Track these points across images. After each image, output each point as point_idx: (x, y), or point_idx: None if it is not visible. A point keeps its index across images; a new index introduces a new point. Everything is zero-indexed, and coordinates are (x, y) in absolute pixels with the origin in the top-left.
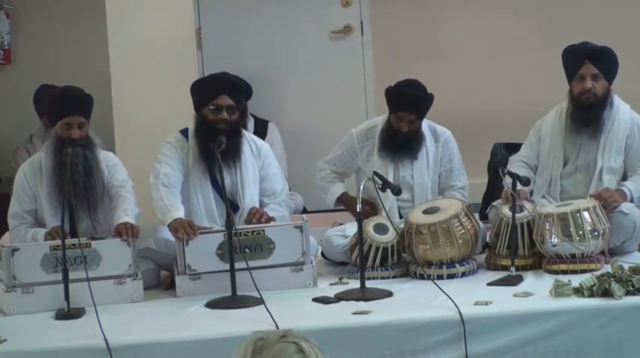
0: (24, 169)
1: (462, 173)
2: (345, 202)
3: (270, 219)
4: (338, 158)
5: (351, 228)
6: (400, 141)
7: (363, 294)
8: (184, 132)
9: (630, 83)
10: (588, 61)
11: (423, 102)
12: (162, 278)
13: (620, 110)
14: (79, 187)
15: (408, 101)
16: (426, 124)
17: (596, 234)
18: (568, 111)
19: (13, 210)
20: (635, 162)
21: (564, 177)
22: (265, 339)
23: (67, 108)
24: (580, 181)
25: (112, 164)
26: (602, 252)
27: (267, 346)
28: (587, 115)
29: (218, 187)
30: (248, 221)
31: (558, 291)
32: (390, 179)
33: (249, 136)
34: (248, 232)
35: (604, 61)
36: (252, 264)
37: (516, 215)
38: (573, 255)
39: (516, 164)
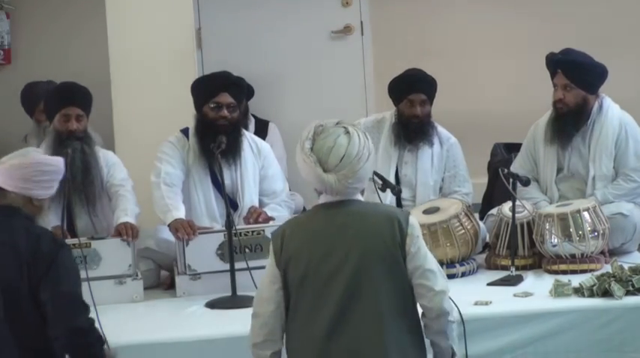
0: None
1: (466, 180)
2: None
3: (268, 219)
4: None
5: None
6: (415, 128)
7: None
8: (185, 131)
9: (630, 84)
10: (560, 71)
11: (429, 81)
12: (162, 278)
13: (609, 115)
14: (77, 183)
15: (416, 80)
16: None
17: (596, 234)
18: (550, 117)
19: None
20: (620, 166)
21: (560, 182)
22: (324, 125)
23: (65, 100)
24: (576, 186)
25: (111, 163)
26: (602, 252)
27: (324, 129)
28: (559, 124)
29: (218, 186)
30: (246, 220)
31: (558, 291)
32: (392, 176)
33: (249, 136)
34: (248, 232)
35: (576, 71)
36: (252, 264)
37: (516, 215)
38: (573, 255)
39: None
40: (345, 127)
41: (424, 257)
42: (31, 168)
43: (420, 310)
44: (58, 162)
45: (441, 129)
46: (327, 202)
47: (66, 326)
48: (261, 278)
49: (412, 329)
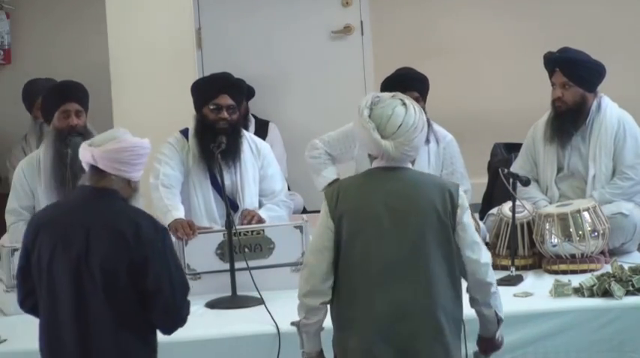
0: (22, 166)
1: (464, 177)
2: None
3: (262, 221)
4: (335, 140)
5: None
6: None
7: None
8: (184, 132)
9: (630, 84)
10: (558, 70)
11: (420, 80)
12: None
13: (608, 113)
14: (78, 179)
15: (408, 79)
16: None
17: (596, 234)
18: (549, 116)
19: (10, 206)
20: (618, 164)
21: (560, 182)
22: (380, 96)
23: (63, 96)
24: (576, 186)
25: None
26: (602, 252)
27: (381, 100)
28: (558, 123)
29: (218, 187)
30: (240, 223)
31: (558, 291)
32: None
33: (249, 136)
34: (248, 232)
35: (575, 69)
36: (252, 264)
37: (516, 215)
38: (573, 255)
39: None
40: (401, 99)
41: (471, 228)
42: (131, 152)
43: (464, 284)
44: (148, 144)
45: (437, 127)
46: (381, 166)
47: (176, 317)
48: (314, 231)
49: (455, 296)
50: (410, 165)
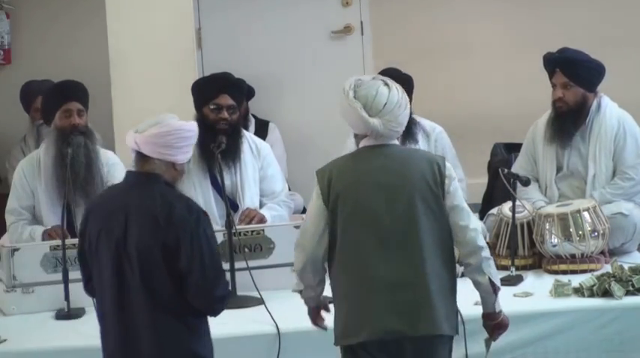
0: (22, 165)
1: (456, 166)
2: None
3: (262, 220)
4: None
5: None
6: None
7: None
8: None
9: (630, 83)
10: (559, 70)
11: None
12: None
13: (608, 113)
14: (79, 178)
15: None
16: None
17: (596, 234)
18: (549, 116)
19: (10, 205)
20: (619, 164)
21: (560, 181)
22: (362, 79)
23: (64, 96)
24: (575, 185)
25: (111, 163)
26: (602, 252)
27: (363, 83)
28: (559, 124)
29: (218, 187)
30: (240, 223)
31: (558, 291)
32: None
33: (249, 136)
34: (248, 232)
35: (575, 69)
36: (252, 263)
37: (516, 215)
38: (573, 255)
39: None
40: (382, 80)
41: (460, 196)
42: (173, 135)
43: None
44: (194, 126)
45: (424, 121)
46: (369, 145)
47: (209, 297)
48: (307, 214)
49: (447, 265)
50: (397, 141)
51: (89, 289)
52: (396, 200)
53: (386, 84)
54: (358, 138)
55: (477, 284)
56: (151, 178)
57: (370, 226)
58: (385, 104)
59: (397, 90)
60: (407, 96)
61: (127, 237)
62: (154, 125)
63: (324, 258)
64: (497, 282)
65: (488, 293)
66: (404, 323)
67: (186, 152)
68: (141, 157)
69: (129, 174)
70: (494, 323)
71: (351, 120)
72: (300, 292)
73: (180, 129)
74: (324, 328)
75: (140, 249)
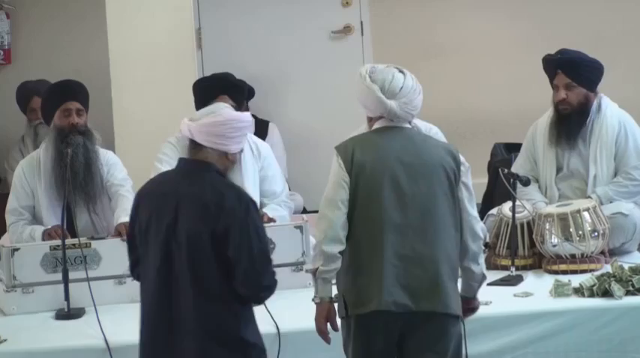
0: (22, 165)
1: None
2: None
3: (270, 220)
4: None
5: None
6: None
7: None
8: None
9: (630, 84)
10: (561, 71)
11: None
12: None
13: (608, 114)
14: (79, 178)
15: None
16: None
17: (596, 234)
18: (551, 119)
19: (10, 205)
20: (621, 164)
21: (560, 182)
22: (376, 66)
23: (64, 95)
24: (576, 186)
25: (111, 163)
26: (602, 252)
27: (377, 70)
28: (563, 126)
29: None
30: None
31: (558, 291)
32: None
33: (249, 137)
34: None
35: (577, 69)
36: None
37: (516, 215)
38: (573, 255)
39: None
40: (396, 67)
41: (471, 187)
42: (227, 125)
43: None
44: (248, 117)
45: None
46: (386, 126)
47: (256, 285)
48: (328, 186)
49: (455, 249)
50: (409, 125)
51: (135, 273)
52: (418, 179)
53: (401, 71)
54: (373, 121)
55: (469, 273)
56: (203, 166)
57: (392, 199)
58: (401, 88)
59: (411, 77)
60: (420, 85)
61: (177, 222)
62: (209, 114)
63: (345, 228)
64: (485, 272)
65: (477, 281)
66: (414, 298)
67: (239, 142)
68: (194, 145)
69: (181, 160)
70: (469, 308)
71: (369, 103)
72: (315, 272)
73: (234, 119)
74: (328, 341)
75: (190, 235)
